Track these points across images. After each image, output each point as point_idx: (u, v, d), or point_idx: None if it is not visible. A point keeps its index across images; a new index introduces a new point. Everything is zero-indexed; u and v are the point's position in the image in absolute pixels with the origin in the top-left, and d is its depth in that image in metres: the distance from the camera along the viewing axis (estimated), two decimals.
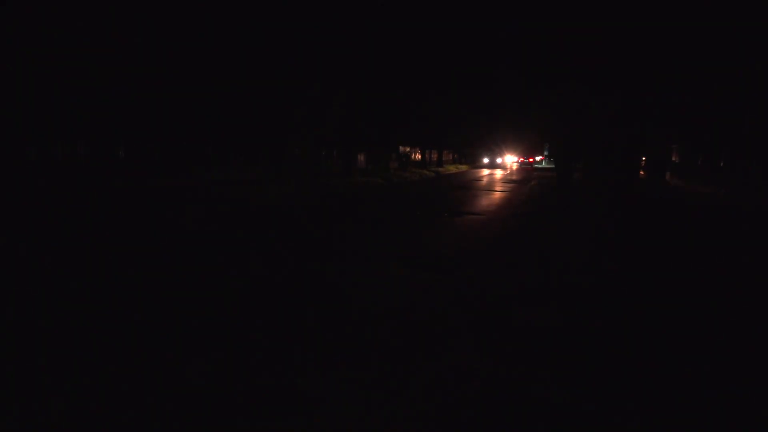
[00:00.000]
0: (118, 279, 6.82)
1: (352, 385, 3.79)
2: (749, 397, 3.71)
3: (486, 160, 79.19)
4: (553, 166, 38.96)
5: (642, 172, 35.18)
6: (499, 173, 47.02)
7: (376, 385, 3.79)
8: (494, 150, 76.77)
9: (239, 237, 10.74)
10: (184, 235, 10.73)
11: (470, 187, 26.37)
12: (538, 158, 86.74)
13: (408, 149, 49.70)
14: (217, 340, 4.67)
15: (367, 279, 6.98)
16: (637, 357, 4.38)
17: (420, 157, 53.33)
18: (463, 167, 61.74)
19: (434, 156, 56.36)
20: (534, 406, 3.53)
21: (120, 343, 4.56)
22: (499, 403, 3.58)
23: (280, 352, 4.39)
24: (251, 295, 6.11)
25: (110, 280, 6.74)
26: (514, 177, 38.72)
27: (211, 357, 4.27)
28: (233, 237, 10.74)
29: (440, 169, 48.78)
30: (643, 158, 36.86)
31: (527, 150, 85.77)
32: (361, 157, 39.33)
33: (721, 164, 31.22)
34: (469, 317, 5.40)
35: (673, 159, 38.15)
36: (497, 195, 22.12)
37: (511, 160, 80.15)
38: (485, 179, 35.38)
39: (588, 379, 3.95)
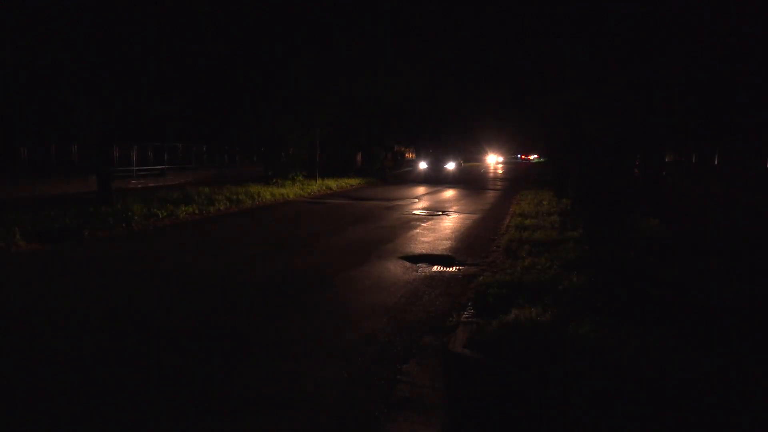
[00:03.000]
0: None
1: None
2: None
3: (423, 165, 36.63)
4: (545, 160, 38.20)
5: (636, 171, 35.29)
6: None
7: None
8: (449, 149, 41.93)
9: (246, 233, 10.77)
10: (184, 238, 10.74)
11: (468, 185, 26.46)
12: (532, 157, 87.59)
13: (404, 148, 49.80)
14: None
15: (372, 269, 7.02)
16: None
17: (414, 156, 53.44)
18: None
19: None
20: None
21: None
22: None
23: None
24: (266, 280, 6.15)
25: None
26: (509, 176, 38.77)
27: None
28: (236, 234, 10.77)
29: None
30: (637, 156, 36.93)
31: (522, 148, 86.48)
32: (358, 157, 39.76)
33: (716, 162, 31.35)
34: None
35: (667, 158, 38.25)
36: (491, 195, 22.15)
37: (494, 159, 70.67)
38: (482, 175, 35.47)
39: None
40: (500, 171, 49.96)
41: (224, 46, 15.70)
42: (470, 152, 66.38)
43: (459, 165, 38.03)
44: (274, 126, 20.89)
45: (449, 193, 21.28)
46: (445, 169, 35.13)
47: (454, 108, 41.86)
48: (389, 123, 33.98)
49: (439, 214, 14.27)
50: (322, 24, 19.61)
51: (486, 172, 45.45)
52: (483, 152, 68.45)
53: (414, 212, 14.64)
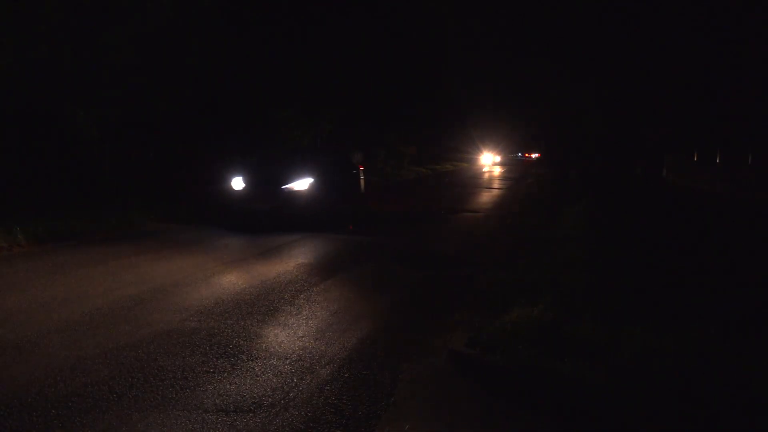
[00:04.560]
0: None
1: None
2: None
3: (238, 184, 12.06)
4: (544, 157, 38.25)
5: (637, 169, 35.29)
6: None
7: None
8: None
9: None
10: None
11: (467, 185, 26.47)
12: (534, 155, 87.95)
13: (404, 148, 49.81)
14: None
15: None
16: None
17: (416, 153, 53.38)
18: None
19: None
20: None
21: None
22: None
23: None
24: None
25: None
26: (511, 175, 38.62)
27: None
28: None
29: (437, 167, 48.94)
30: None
31: (524, 146, 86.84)
32: (358, 156, 39.76)
33: (718, 160, 31.34)
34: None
35: (668, 157, 38.22)
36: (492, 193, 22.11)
37: (489, 159, 63.45)
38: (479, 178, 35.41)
39: None
40: (496, 174, 39.79)
41: (226, 43, 15.69)
42: (463, 151, 60.89)
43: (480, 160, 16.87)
44: (277, 124, 20.86)
45: None
46: (288, 192, 11.69)
47: (452, 103, 41.74)
48: (389, 118, 33.87)
49: None
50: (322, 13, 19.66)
51: (493, 169, 34.18)
52: (477, 150, 62.83)
53: None
